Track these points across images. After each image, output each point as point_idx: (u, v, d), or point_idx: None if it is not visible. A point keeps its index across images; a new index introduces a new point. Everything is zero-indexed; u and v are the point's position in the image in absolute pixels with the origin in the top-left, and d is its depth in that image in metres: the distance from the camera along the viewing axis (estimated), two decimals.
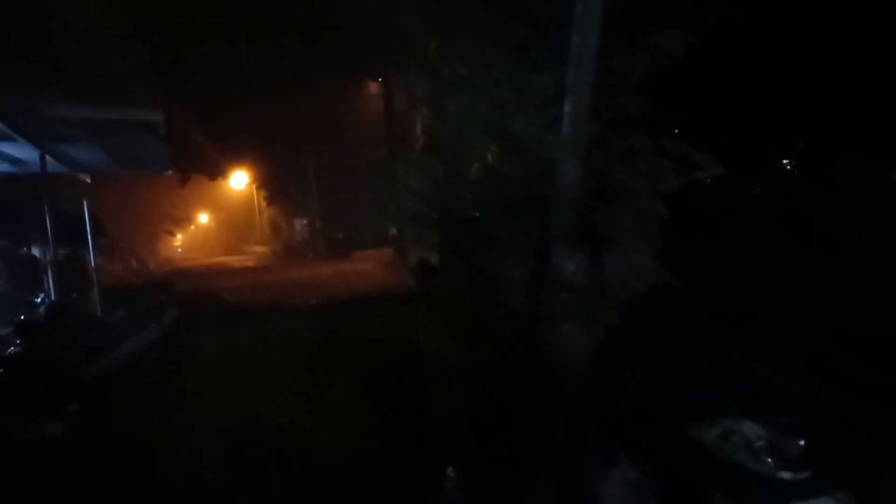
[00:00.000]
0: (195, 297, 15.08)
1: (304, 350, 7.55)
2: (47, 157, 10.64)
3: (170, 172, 17.21)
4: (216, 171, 27.68)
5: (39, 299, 11.59)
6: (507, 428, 4.43)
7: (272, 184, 28.85)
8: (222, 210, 42.88)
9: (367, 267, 19.23)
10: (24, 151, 10.33)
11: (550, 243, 4.18)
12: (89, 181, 14.84)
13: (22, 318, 10.27)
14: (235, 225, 41.63)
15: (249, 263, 27.55)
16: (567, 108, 4.14)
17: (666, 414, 3.87)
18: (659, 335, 4.12)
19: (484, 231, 4.90)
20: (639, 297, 4.27)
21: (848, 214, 3.93)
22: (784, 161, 4.34)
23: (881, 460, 3.39)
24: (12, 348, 8.82)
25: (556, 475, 4.13)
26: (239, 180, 31.55)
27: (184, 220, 42.93)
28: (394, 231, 19.56)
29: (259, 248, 34.51)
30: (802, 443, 3.50)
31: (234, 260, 31.16)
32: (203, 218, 45.24)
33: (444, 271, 5.44)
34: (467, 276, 5.02)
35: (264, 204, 32.38)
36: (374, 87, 21.95)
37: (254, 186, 33.10)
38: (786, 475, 3.46)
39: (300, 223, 29.54)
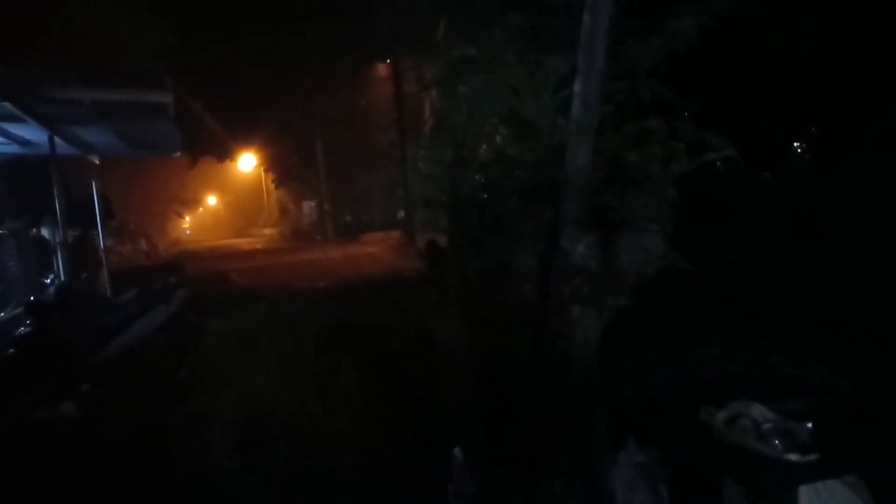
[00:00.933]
0: (204, 279, 15.17)
1: (313, 333, 7.58)
2: (57, 139, 10.67)
3: (179, 154, 17.21)
4: (225, 154, 27.74)
5: (49, 280, 11.67)
6: (517, 412, 4.45)
7: (281, 166, 28.88)
8: (231, 192, 42.99)
9: (376, 250, 19.26)
10: (33, 133, 10.35)
11: (561, 227, 4.17)
12: (99, 163, 14.87)
13: (32, 298, 10.34)
14: (244, 207, 41.74)
15: (258, 246, 27.66)
16: (578, 90, 4.12)
17: (675, 398, 3.87)
18: (670, 320, 4.11)
19: (494, 214, 4.89)
20: (650, 281, 4.26)
21: (862, 202, 3.89)
22: (796, 146, 4.30)
23: (892, 445, 3.39)
24: (23, 328, 8.89)
25: (566, 459, 4.14)
26: (247, 163, 31.61)
27: (192, 202, 43.07)
28: (402, 214, 19.56)
29: (267, 231, 34.61)
30: (811, 426, 3.49)
31: (242, 242, 31.28)
32: (212, 200, 45.37)
33: (454, 255, 5.43)
34: (477, 260, 5.02)
35: (273, 186, 32.42)
36: (383, 70, 21.85)
37: (262, 169, 33.15)
38: (794, 458, 3.45)
39: (308, 206, 29.57)
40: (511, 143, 4.75)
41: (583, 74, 4.13)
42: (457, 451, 4.53)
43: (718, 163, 4.20)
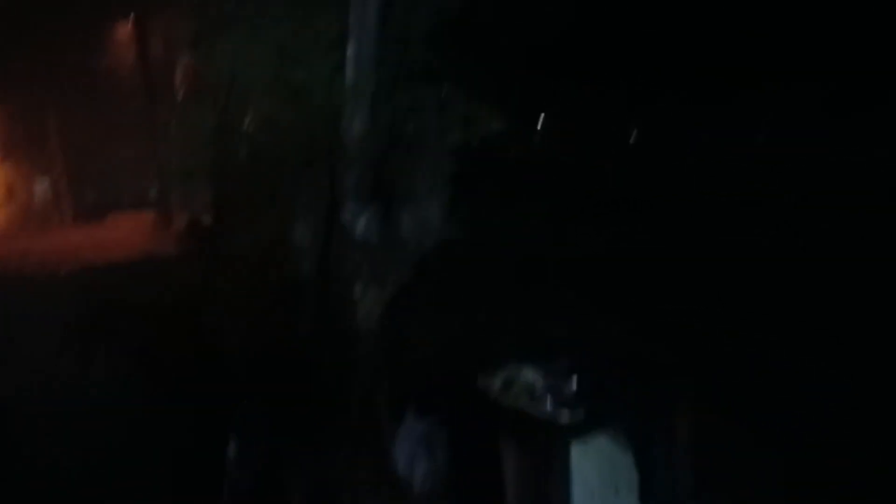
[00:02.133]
0: None
1: (58, 322, 6.83)
2: None
3: None
4: None
5: None
6: (300, 393, 4.31)
7: (3, 138, 25.22)
8: None
9: (125, 233, 17.74)
10: None
11: (339, 199, 4.06)
12: None
13: None
14: None
15: None
16: (350, 54, 3.99)
17: (457, 367, 3.96)
18: (453, 292, 4.19)
19: (266, 187, 4.62)
20: (432, 253, 4.30)
21: (631, 163, 4.10)
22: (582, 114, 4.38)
23: (648, 396, 3.76)
24: None
25: (351, 436, 4.12)
26: None
27: None
28: (156, 191, 18.17)
29: None
30: (575, 381, 3.74)
31: None
32: None
33: (221, 233, 5.07)
34: (248, 237, 4.72)
35: None
36: (130, 28, 19.90)
37: None
38: (564, 416, 3.68)
39: (41, 183, 26.27)
40: (281, 110, 4.49)
41: (355, 37, 4.01)
42: (231, 446, 4.32)
43: (496, 134, 4.29)
